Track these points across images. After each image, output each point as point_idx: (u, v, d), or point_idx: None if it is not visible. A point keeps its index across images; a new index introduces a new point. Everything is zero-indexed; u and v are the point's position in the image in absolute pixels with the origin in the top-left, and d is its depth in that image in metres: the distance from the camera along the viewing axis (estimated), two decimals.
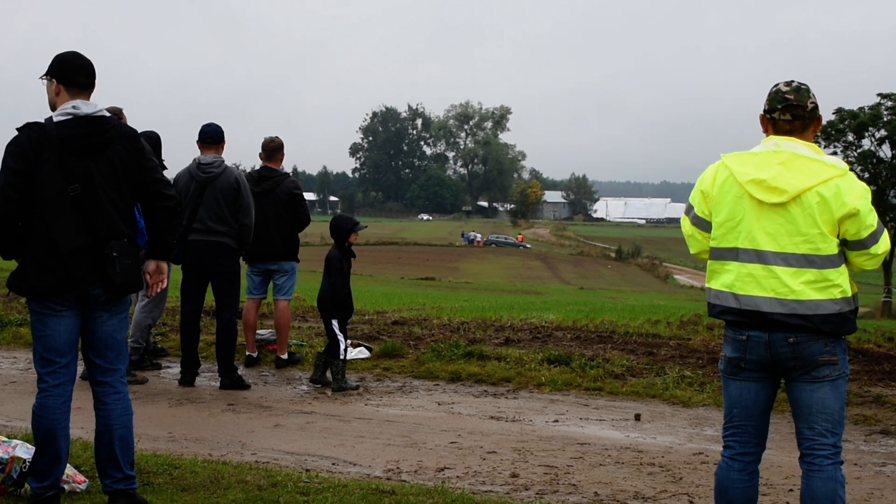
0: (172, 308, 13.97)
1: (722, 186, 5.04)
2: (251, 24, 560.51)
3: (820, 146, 5.14)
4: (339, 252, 11.09)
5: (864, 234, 4.89)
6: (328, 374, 11.00)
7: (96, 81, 5.98)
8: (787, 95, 5.03)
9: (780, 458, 7.78)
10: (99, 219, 5.76)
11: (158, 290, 6.27)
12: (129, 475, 5.94)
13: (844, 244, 4.94)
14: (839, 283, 4.85)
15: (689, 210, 5.27)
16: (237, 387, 10.73)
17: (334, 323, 10.99)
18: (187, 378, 10.85)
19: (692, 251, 5.34)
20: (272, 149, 12.05)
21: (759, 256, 4.88)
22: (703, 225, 5.19)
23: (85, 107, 5.81)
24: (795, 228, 4.84)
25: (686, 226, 5.32)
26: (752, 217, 4.92)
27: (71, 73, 5.87)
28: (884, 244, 4.97)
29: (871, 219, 4.90)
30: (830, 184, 4.83)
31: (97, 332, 5.93)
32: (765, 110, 5.13)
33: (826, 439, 4.95)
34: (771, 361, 4.94)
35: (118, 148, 5.83)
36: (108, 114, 5.91)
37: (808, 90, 5.05)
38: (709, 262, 5.13)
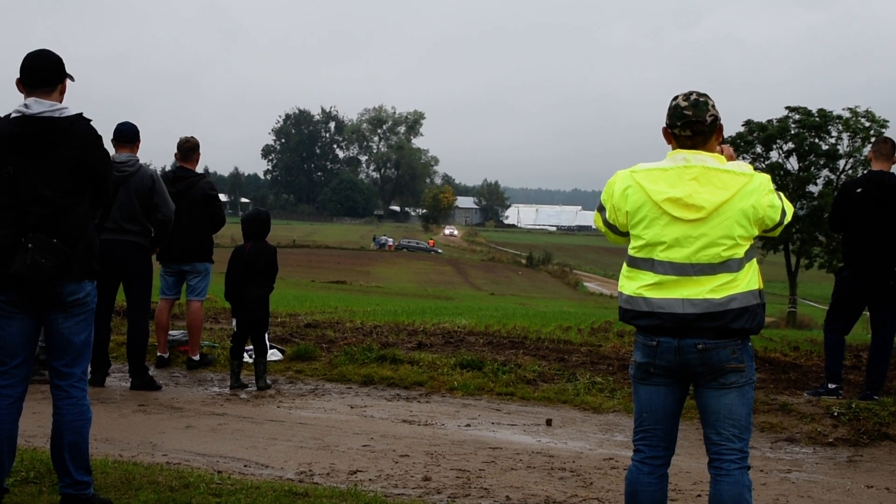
0: None
1: (635, 203, 5.08)
2: (158, 17, 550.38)
3: None
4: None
5: (778, 217, 5.08)
6: (242, 377, 11.03)
7: (61, 78, 5.91)
8: (685, 112, 5.05)
9: (689, 463, 7.90)
10: (27, 216, 5.70)
11: None
12: (78, 480, 5.89)
13: (763, 231, 5.10)
14: (750, 279, 4.98)
15: (602, 210, 5.32)
16: (148, 388, 10.66)
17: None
18: (97, 378, 10.74)
19: (610, 242, 5.45)
20: (188, 149, 11.98)
21: (675, 268, 4.95)
22: (616, 230, 5.27)
23: (36, 105, 5.77)
24: (712, 240, 4.92)
25: (599, 223, 5.39)
26: (668, 232, 4.97)
27: (23, 71, 5.86)
28: (790, 210, 5.21)
29: (777, 201, 5.09)
30: (743, 192, 4.95)
31: (52, 334, 5.87)
32: (666, 124, 5.17)
33: (733, 444, 5.03)
34: (680, 367, 5.02)
35: (67, 150, 5.77)
36: (60, 115, 5.81)
37: (706, 102, 5.08)
38: (624, 266, 5.19)
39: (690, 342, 4.95)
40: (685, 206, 4.95)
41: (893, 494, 7.48)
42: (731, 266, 4.93)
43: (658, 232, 5.01)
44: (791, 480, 7.76)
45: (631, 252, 5.16)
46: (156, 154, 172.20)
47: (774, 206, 5.05)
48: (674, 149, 5.16)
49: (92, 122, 5.95)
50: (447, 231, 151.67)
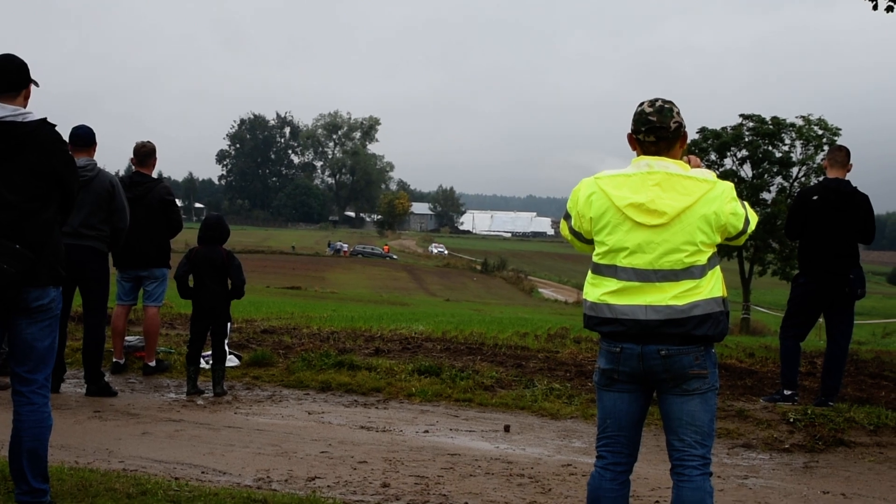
0: None
1: (599, 209, 5.09)
2: (108, 19, 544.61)
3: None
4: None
5: (741, 225, 5.10)
6: (198, 384, 10.95)
7: (26, 83, 5.84)
8: (650, 117, 5.08)
9: (647, 470, 7.91)
10: None
11: None
12: (36, 488, 5.83)
13: (727, 239, 5.13)
14: (713, 286, 4.99)
15: (568, 218, 5.33)
16: (104, 393, 10.56)
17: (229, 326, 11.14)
18: (52, 384, 10.62)
19: (577, 250, 5.46)
20: (144, 154, 11.89)
21: (638, 274, 4.96)
22: (581, 237, 5.28)
23: None
24: (674, 246, 4.93)
25: (565, 232, 5.41)
26: (630, 238, 4.99)
27: None
28: (754, 219, 5.25)
29: (741, 209, 5.12)
30: (705, 199, 4.97)
31: (16, 340, 5.81)
32: (631, 130, 5.19)
33: (695, 450, 5.04)
34: (643, 373, 5.03)
35: (31, 154, 5.70)
36: (23, 119, 5.73)
37: (670, 109, 5.10)
38: (589, 273, 5.21)
39: (653, 348, 4.96)
40: (647, 212, 4.97)
41: (849, 500, 7.53)
42: (693, 273, 4.95)
43: (621, 238, 5.02)
44: (748, 486, 7.79)
45: (595, 259, 5.16)
46: (106, 157, 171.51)
47: (737, 213, 5.08)
48: (638, 155, 5.18)
49: (56, 128, 5.89)
50: (435, 249, 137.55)
